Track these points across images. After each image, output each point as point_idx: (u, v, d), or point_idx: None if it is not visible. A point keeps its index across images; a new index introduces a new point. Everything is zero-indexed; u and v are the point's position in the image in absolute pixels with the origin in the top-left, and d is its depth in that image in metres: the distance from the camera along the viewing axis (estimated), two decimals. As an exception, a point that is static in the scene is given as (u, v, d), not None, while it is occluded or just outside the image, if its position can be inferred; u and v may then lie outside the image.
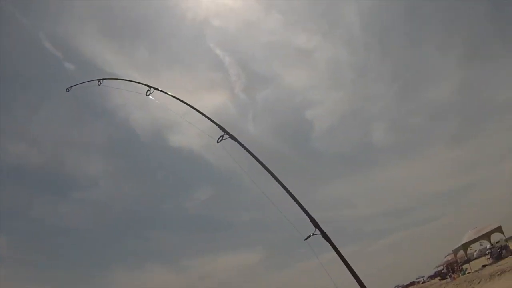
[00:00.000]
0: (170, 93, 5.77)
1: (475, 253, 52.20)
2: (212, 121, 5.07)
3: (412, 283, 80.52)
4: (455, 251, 38.22)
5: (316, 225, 4.50)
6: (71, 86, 9.70)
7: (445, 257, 51.41)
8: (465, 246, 35.36)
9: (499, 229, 33.36)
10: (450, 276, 37.56)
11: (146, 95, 5.68)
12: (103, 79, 7.01)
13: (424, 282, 70.71)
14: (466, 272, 33.03)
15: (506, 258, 26.78)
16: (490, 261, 31.89)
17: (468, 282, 23.21)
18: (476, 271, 29.18)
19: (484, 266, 30.92)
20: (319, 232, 4.86)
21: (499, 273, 18.63)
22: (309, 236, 4.65)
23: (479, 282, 20.57)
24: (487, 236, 35.08)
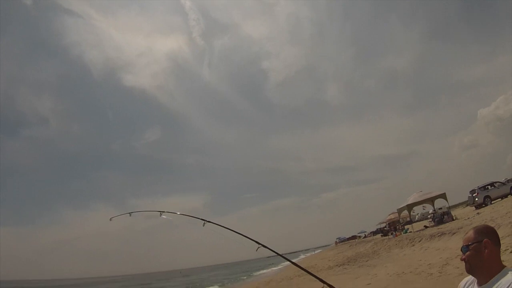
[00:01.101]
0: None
1: (417, 216, 55.47)
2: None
3: (354, 237, 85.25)
4: (399, 211, 40.56)
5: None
6: None
7: (389, 215, 54.41)
8: (409, 207, 37.57)
9: (443, 196, 35.61)
10: (392, 234, 40.10)
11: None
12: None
13: (365, 237, 75.06)
14: (408, 231, 35.31)
15: (447, 223, 28.73)
16: (432, 224, 34.17)
17: (409, 240, 24.92)
18: (417, 231, 31.35)
19: (426, 227, 33.21)
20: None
21: (439, 234, 20.07)
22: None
23: (419, 241, 22.18)
24: (431, 200, 37.38)
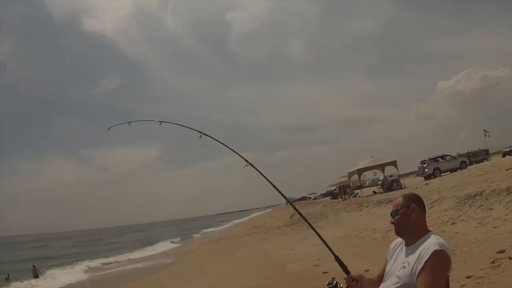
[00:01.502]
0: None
1: (367, 181, 57.14)
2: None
3: (304, 198, 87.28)
4: (350, 175, 41.57)
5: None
6: None
7: (339, 178, 55.74)
8: (360, 172, 38.56)
9: (394, 163, 36.68)
10: (341, 197, 41.14)
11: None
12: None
13: (315, 198, 76.93)
14: (357, 196, 36.34)
15: (395, 191, 29.66)
16: (381, 191, 35.24)
17: (357, 204, 25.67)
18: (366, 196, 32.34)
19: (374, 192, 34.24)
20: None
21: (386, 201, 20.71)
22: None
23: (367, 206, 22.86)
24: (381, 167, 38.45)
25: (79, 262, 26.11)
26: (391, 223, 2.78)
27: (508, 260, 6.16)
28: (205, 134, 5.01)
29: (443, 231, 9.94)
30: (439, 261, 2.45)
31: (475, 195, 12.93)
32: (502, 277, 5.57)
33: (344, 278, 2.96)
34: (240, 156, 4.53)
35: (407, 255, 2.68)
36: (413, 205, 2.73)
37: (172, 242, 36.67)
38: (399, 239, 2.85)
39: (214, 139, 4.99)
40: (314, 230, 3.74)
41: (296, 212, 4.25)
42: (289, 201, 5.23)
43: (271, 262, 12.72)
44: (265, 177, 4.30)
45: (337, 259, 3.24)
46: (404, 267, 2.62)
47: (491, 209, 11.01)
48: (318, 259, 10.86)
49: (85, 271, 22.04)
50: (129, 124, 5.85)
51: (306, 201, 76.12)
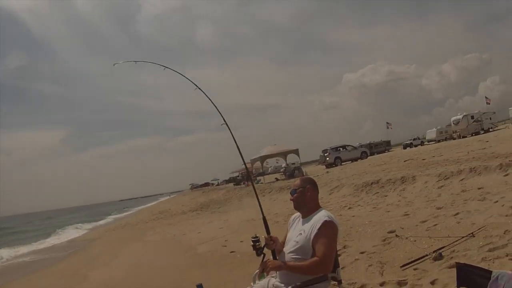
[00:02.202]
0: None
1: (270, 168, 58.93)
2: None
3: (207, 184, 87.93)
4: (253, 161, 42.61)
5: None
6: None
7: (242, 165, 56.82)
8: (262, 159, 39.74)
9: (296, 152, 38.29)
10: (244, 183, 42.17)
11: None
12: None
13: (218, 184, 77.78)
14: (260, 182, 37.40)
15: (297, 178, 31.08)
16: (283, 177, 36.61)
17: (260, 190, 26.47)
18: (268, 182, 33.46)
19: (277, 179, 35.53)
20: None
21: (288, 188, 21.66)
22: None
23: (269, 192, 23.75)
24: (284, 154, 39.95)
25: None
26: (291, 199, 3.56)
27: (396, 237, 6.98)
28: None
29: (340, 215, 10.76)
30: (329, 228, 3.21)
31: (372, 183, 14.08)
32: (391, 251, 6.31)
33: (265, 237, 3.60)
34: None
35: (303, 224, 3.43)
36: (308, 186, 3.51)
37: (77, 229, 35.39)
38: (297, 213, 3.61)
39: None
40: (257, 197, 4.55)
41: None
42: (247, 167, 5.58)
43: (181, 244, 12.94)
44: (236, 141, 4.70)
45: (264, 219, 3.97)
46: (301, 233, 3.34)
47: (386, 196, 12.11)
48: (225, 241, 11.34)
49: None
50: (135, 62, 5.93)
51: (209, 187, 76.72)
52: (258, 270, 3.56)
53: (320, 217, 3.28)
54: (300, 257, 3.26)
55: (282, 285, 3.26)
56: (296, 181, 3.62)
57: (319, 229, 3.19)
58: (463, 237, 6.00)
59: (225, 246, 10.57)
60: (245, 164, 5.44)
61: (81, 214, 73.19)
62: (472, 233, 6.08)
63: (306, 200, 3.47)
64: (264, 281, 3.47)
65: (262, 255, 3.52)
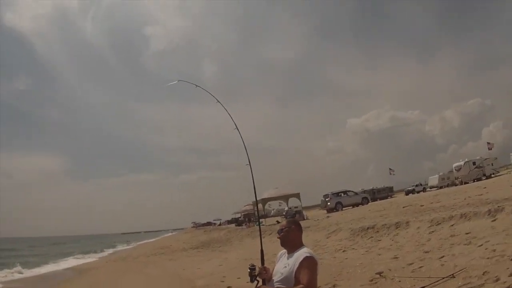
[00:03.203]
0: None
1: (273, 211, 58.94)
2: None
3: (209, 223, 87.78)
4: (254, 203, 42.94)
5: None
6: None
7: (244, 206, 56.98)
8: (264, 201, 39.99)
9: (297, 196, 38.63)
10: (245, 224, 42.28)
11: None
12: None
13: (220, 224, 77.63)
14: (262, 224, 37.57)
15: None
16: (284, 220, 36.84)
17: (261, 232, 26.93)
18: (270, 224, 33.71)
19: (278, 222, 35.70)
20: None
21: (277, 237, 22.14)
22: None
23: (270, 234, 24.02)
24: (285, 198, 40.25)
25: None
26: (278, 238, 4.29)
27: (383, 278, 7.39)
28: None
29: (334, 257, 11.15)
30: (310, 262, 3.89)
31: (368, 228, 14.42)
32: (376, 291, 6.75)
33: (259, 267, 4.31)
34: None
35: (287, 259, 4.09)
36: (293, 226, 4.25)
37: (77, 259, 35.33)
38: (283, 250, 4.29)
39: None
40: (260, 229, 5.06)
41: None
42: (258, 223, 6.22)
43: (180, 278, 13.39)
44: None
45: (261, 251, 4.85)
46: (285, 267, 4.01)
47: (379, 240, 12.45)
48: (223, 276, 11.75)
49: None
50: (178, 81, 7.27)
51: (211, 226, 76.60)
52: None
53: (301, 253, 3.97)
54: (284, 286, 3.93)
55: None
56: (283, 222, 4.48)
57: (300, 262, 3.88)
58: (443, 277, 6.43)
59: (223, 281, 10.95)
60: (256, 201, 6.13)
61: (79, 245, 72.78)
62: (453, 274, 6.51)
63: (290, 239, 4.20)
64: None
65: (256, 282, 4.21)
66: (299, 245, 4.16)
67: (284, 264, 4.09)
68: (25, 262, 30.97)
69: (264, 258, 4.70)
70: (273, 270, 4.28)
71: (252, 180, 5.45)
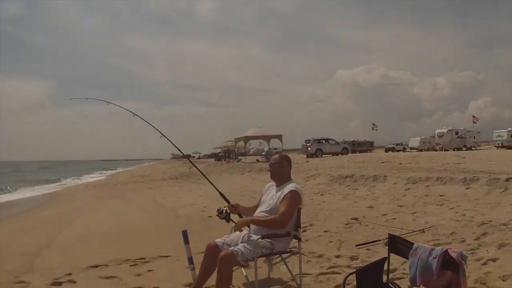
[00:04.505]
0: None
1: (252, 150, 59.64)
2: None
3: (188, 156, 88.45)
4: (236, 140, 43.26)
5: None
6: None
7: (225, 142, 57.54)
8: (246, 139, 40.40)
9: (279, 137, 39.10)
10: (225, 160, 42.91)
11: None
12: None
13: (199, 158, 78.33)
14: (241, 161, 38.17)
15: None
16: (264, 160, 37.41)
17: (240, 168, 27.27)
18: (249, 162, 34.27)
19: (258, 161, 36.30)
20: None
21: (267, 169, 22.57)
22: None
23: (249, 171, 24.54)
24: (267, 138, 40.77)
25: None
26: (268, 170, 4.51)
27: (357, 223, 7.83)
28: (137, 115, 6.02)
29: (312, 199, 11.62)
30: (293, 196, 4.16)
31: (346, 176, 14.92)
32: (350, 234, 7.13)
33: (226, 206, 4.50)
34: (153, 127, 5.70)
35: (276, 192, 4.36)
36: (285, 162, 4.46)
37: (54, 183, 35.52)
38: (272, 182, 4.55)
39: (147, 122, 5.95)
40: (206, 178, 5.78)
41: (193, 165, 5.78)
42: (186, 156, 6.60)
43: (161, 206, 13.59)
44: (162, 134, 5.74)
45: (220, 193, 4.98)
46: (273, 198, 4.31)
47: (356, 189, 12.93)
48: (204, 207, 11.99)
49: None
50: (86, 100, 6.97)
51: (190, 159, 77.16)
52: (234, 224, 4.39)
53: (289, 187, 4.25)
54: (268, 215, 4.20)
55: (253, 235, 4.09)
56: (276, 156, 4.63)
57: (285, 195, 4.17)
58: (414, 231, 6.84)
59: (204, 211, 11.19)
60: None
61: (61, 170, 72.98)
62: (423, 229, 6.93)
63: (281, 173, 4.44)
64: (238, 233, 4.28)
65: (231, 221, 4.43)
66: (288, 179, 4.42)
67: (272, 196, 4.36)
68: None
69: (244, 193, 4.95)
70: (258, 202, 4.58)
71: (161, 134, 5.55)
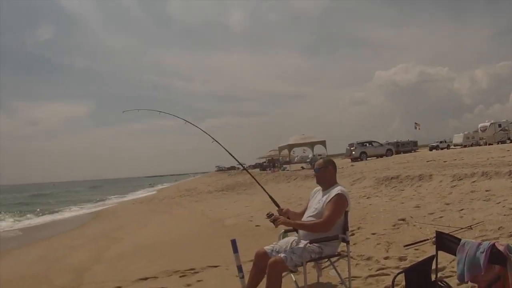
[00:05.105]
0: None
1: (296, 158, 59.59)
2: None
3: (233, 167, 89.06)
4: (280, 149, 43.44)
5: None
6: None
7: (269, 151, 57.74)
8: (290, 147, 40.42)
9: (323, 143, 38.91)
10: (270, 169, 43.15)
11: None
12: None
13: (244, 169, 78.59)
14: (286, 170, 38.31)
15: (322, 168, 31.84)
16: (309, 167, 37.43)
17: (286, 176, 27.47)
18: (294, 170, 34.38)
19: (303, 168, 36.37)
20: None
21: (313, 176, 22.60)
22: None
23: (295, 179, 24.69)
24: (311, 145, 40.70)
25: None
26: (314, 175, 4.58)
27: (405, 224, 7.94)
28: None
29: (359, 203, 11.75)
30: (339, 199, 4.17)
31: (392, 178, 14.93)
32: (398, 235, 7.28)
33: (276, 210, 4.57)
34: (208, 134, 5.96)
35: (322, 196, 4.38)
36: (329, 166, 4.48)
37: (101, 201, 36.30)
38: (318, 187, 4.56)
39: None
40: (260, 185, 5.83)
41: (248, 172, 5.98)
42: (246, 169, 6.91)
43: (208, 218, 13.83)
44: (228, 152, 5.88)
45: (271, 198, 4.98)
46: (319, 202, 4.33)
47: (403, 190, 12.97)
48: (251, 216, 12.24)
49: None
50: (138, 111, 7.13)
51: (235, 170, 77.72)
52: (282, 231, 4.66)
53: (335, 190, 4.25)
54: (315, 219, 4.25)
55: (301, 240, 4.23)
56: (320, 161, 4.62)
57: (331, 198, 4.18)
58: (462, 228, 6.92)
59: (251, 221, 11.49)
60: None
61: (102, 189, 74.25)
62: (470, 226, 6.99)
63: (326, 177, 4.45)
64: (287, 239, 4.53)
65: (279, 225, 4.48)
66: (333, 183, 4.43)
67: (318, 200, 4.38)
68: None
69: (290, 201, 5.04)
70: (305, 207, 4.60)
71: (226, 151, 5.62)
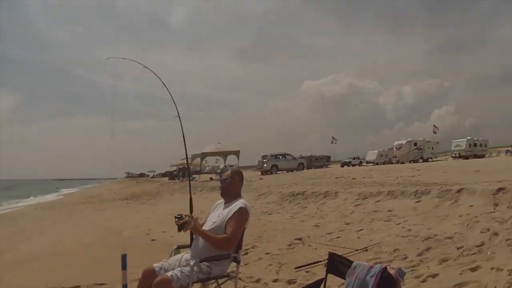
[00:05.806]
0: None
1: (207, 168, 59.10)
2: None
3: (142, 175, 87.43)
4: (193, 157, 42.78)
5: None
6: None
7: (182, 159, 56.86)
8: (203, 155, 40.01)
9: (237, 153, 38.83)
10: (178, 178, 42.36)
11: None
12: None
13: (153, 176, 77.25)
14: (194, 180, 37.74)
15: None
16: (218, 178, 37.14)
17: (192, 188, 26.99)
18: (203, 181, 33.97)
19: (211, 179, 36.01)
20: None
21: (218, 188, 22.45)
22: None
23: (201, 190, 24.27)
24: (224, 154, 40.47)
25: None
26: (220, 187, 4.33)
27: (301, 244, 7.72)
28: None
29: (259, 219, 11.47)
30: (242, 214, 4.00)
31: (297, 193, 14.86)
32: (292, 255, 7.04)
33: (188, 215, 4.19)
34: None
35: (224, 209, 4.17)
36: (236, 177, 4.30)
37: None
38: (221, 200, 4.35)
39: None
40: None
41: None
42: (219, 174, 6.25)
43: (106, 228, 13.50)
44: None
45: (190, 199, 5.52)
46: (219, 216, 4.10)
47: (306, 207, 12.88)
48: (149, 229, 11.93)
49: None
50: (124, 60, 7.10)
51: (144, 178, 76.08)
52: (175, 247, 4.35)
53: (237, 204, 4.06)
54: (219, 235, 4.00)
55: (192, 258, 3.93)
56: (228, 172, 4.43)
57: (233, 213, 3.99)
58: (357, 249, 6.78)
59: (148, 234, 11.11)
60: (187, 159, 6.16)
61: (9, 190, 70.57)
62: (366, 247, 6.88)
63: (231, 189, 4.26)
64: (178, 256, 4.18)
65: (182, 231, 4.17)
66: (237, 195, 4.26)
67: (218, 213, 4.17)
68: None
69: (193, 214, 4.71)
70: (205, 219, 4.34)
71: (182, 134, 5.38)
